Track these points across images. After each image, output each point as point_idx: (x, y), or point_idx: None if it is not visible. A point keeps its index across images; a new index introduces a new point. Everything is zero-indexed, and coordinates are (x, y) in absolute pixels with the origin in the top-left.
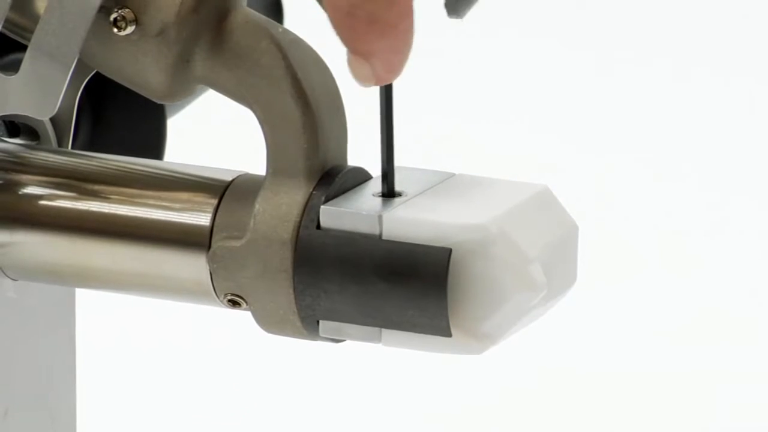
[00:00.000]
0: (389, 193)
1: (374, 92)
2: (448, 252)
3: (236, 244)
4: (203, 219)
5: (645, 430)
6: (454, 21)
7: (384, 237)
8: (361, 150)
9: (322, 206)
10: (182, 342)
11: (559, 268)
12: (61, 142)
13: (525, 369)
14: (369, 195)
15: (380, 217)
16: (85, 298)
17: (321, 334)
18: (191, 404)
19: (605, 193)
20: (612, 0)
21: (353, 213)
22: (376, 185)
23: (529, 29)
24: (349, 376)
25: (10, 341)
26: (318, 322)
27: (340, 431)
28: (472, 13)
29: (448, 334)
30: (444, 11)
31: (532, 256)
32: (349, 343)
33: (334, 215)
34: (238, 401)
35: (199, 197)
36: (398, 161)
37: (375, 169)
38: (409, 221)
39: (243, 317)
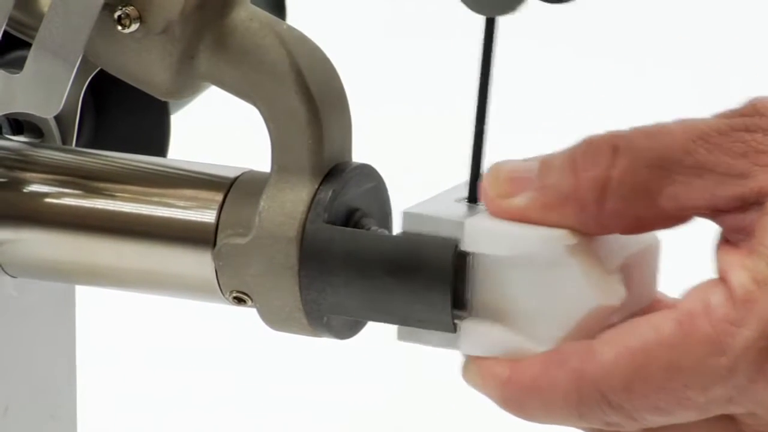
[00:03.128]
0: (472, 199)
1: (377, 90)
2: (453, 246)
3: (241, 241)
4: (208, 216)
5: None
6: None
7: (464, 244)
8: (364, 147)
9: (404, 210)
10: (184, 340)
11: (637, 281)
12: (65, 139)
13: None
14: (451, 201)
15: (463, 224)
16: (85, 295)
17: (398, 338)
18: (192, 403)
19: None
20: (610, 5)
21: (437, 218)
22: (459, 191)
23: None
24: (352, 375)
25: (9, 339)
26: (324, 318)
27: (341, 430)
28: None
29: (452, 330)
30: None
31: (612, 266)
32: (351, 341)
33: (416, 220)
34: (239, 400)
35: (203, 194)
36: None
37: (377, 166)
38: (492, 230)
39: (248, 314)
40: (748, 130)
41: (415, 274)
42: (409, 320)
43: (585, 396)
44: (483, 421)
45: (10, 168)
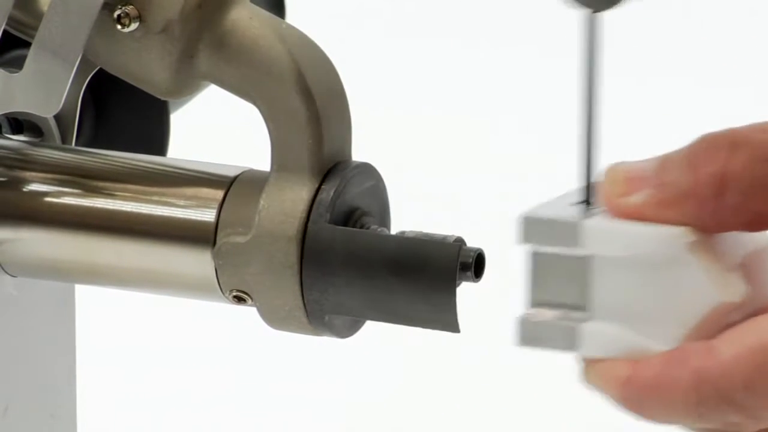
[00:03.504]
0: (586, 202)
1: (377, 89)
2: (458, 247)
3: (241, 240)
4: (208, 215)
5: None
6: None
7: (583, 245)
8: (364, 146)
9: (523, 214)
10: (184, 340)
11: (757, 280)
12: (64, 138)
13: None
14: (566, 205)
15: (581, 225)
16: (85, 294)
17: (519, 344)
18: (192, 403)
19: None
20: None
21: (555, 220)
22: (572, 197)
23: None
24: (352, 373)
25: (9, 338)
26: (325, 317)
27: (341, 429)
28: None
29: (457, 330)
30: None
31: (732, 264)
32: (353, 340)
33: (535, 223)
34: (239, 400)
35: (203, 193)
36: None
37: (377, 165)
38: (610, 230)
39: (248, 314)
40: None
41: (419, 274)
42: (414, 320)
43: (704, 395)
44: (482, 421)
45: (10, 167)
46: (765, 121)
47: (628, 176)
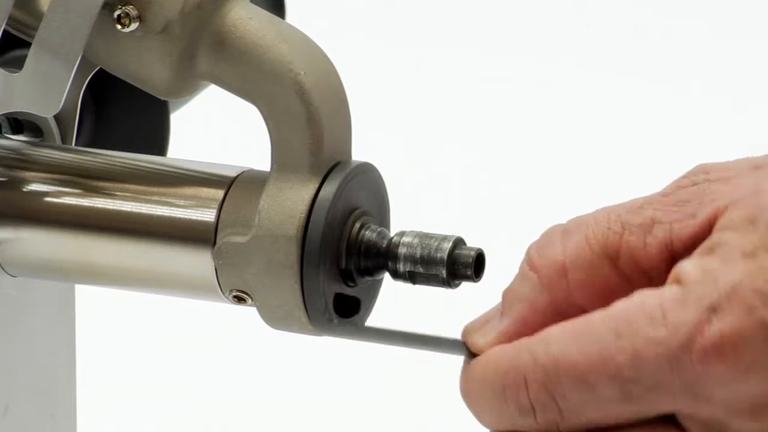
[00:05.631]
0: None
1: (377, 89)
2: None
3: (241, 240)
4: (208, 215)
5: None
6: None
7: None
8: (364, 145)
9: None
10: (184, 339)
11: None
12: (64, 138)
13: None
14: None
15: None
16: (85, 295)
17: None
18: (192, 403)
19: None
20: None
21: None
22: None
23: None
24: (353, 372)
25: (10, 338)
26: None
27: (341, 429)
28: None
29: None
30: None
31: None
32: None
33: None
34: (239, 399)
35: (203, 193)
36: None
37: (377, 164)
38: None
39: (249, 313)
40: (694, 184)
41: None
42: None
43: (519, 364)
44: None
45: (10, 167)
46: (596, 210)
47: (478, 320)
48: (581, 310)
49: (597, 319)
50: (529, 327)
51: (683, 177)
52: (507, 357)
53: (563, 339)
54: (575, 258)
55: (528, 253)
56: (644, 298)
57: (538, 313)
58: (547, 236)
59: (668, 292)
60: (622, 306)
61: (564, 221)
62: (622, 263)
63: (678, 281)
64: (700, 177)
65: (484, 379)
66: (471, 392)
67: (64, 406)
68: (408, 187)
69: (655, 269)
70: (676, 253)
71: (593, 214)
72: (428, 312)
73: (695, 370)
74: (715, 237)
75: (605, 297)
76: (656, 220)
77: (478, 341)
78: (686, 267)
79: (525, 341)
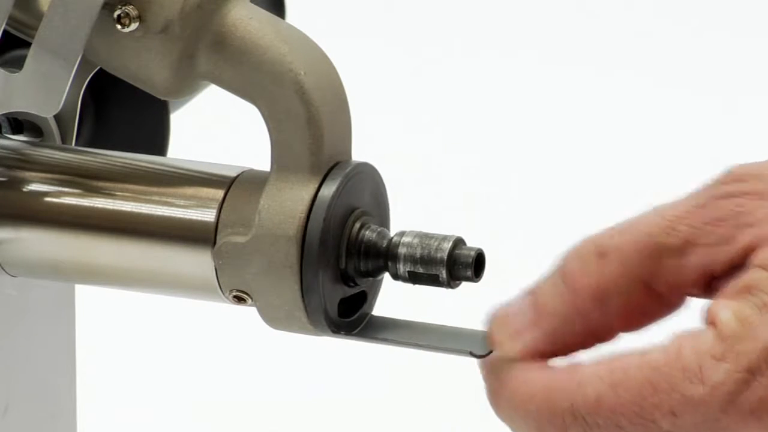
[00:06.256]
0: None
1: (377, 89)
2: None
3: (241, 240)
4: (208, 215)
5: None
6: None
7: None
8: (364, 146)
9: None
10: (184, 339)
11: None
12: (64, 138)
13: None
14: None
15: None
16: (84, 294)
17: None
18: (192, 403)
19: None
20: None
21: None
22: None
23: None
24: (353, 373)
25: (10, 338)
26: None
27: (342, 429)
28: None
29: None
30: None
31: None
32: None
33: None
34: (239, 399)
35: (203, 193)
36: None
37: (377, 164)
38: None
39: (248, 313)
40: (729, 196)
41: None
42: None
43: (556, 406)
44: (481, 421)
45: (10, 167)
46: (616, 224)
47: (506, 322)
48: (612, 329)
49: (634, 366)
50: (559, 343)
51: (717, 184)
52: (549, 402)
53: (600, 386)
54: (614, 286)
55: (563, 269)
56: (681, 347)
57: (571, 334)
58: (583, 258)
59: (705, 341)
60: (659, 356)
61: (592, 233)
62: (658, 286)
63: (714, 325)
64: (734, 187)
65: (526, 414)
66: (512, 418)
67: (64, 406)
68: (408, 187)
69: (692, 290)
70: (714, 273)
71: (628, 236)
72: (428, 312)
73: (721, 413)
74: (753, 275)
75: (640, 321)
76: (691, 241)
77: (506, 347)
78: (723, 315)
79: (566, 384)
